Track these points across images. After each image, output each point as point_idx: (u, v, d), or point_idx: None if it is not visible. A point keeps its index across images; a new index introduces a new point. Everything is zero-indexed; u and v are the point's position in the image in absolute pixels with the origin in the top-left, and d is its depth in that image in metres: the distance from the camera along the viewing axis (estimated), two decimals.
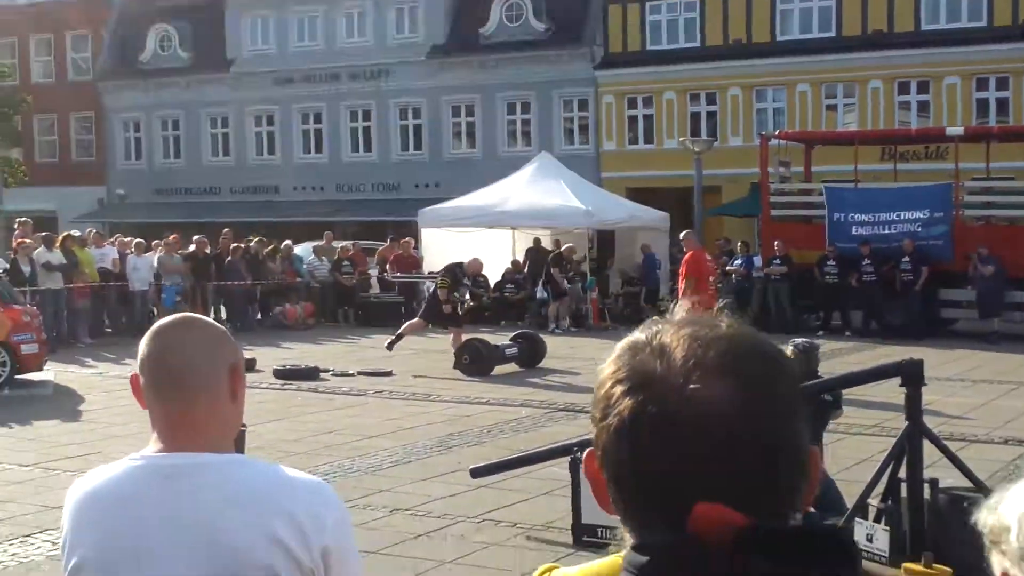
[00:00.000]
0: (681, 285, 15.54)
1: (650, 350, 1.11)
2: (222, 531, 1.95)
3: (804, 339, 8.43)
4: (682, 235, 15.94)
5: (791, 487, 1.10)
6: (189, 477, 1.97)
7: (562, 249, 23.72)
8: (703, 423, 1.05)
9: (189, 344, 2.04)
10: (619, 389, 1.10)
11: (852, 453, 9.90)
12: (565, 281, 23.22)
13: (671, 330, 1.12)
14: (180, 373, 2.01)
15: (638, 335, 1.15)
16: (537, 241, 25.42)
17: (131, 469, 2.01)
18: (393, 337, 16.89)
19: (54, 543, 7.31)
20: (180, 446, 1.99)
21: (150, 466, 2.00)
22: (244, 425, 2.37)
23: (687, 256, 15.28)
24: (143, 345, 2.06)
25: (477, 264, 17.82)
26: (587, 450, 1.16)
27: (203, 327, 2.09)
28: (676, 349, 1.09)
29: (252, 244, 24.23)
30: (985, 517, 1.29)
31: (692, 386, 1.06)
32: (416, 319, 17.38)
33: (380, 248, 26.69)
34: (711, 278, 15.55)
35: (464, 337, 16.48)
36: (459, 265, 17.50)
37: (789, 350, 8.04)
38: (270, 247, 24.78)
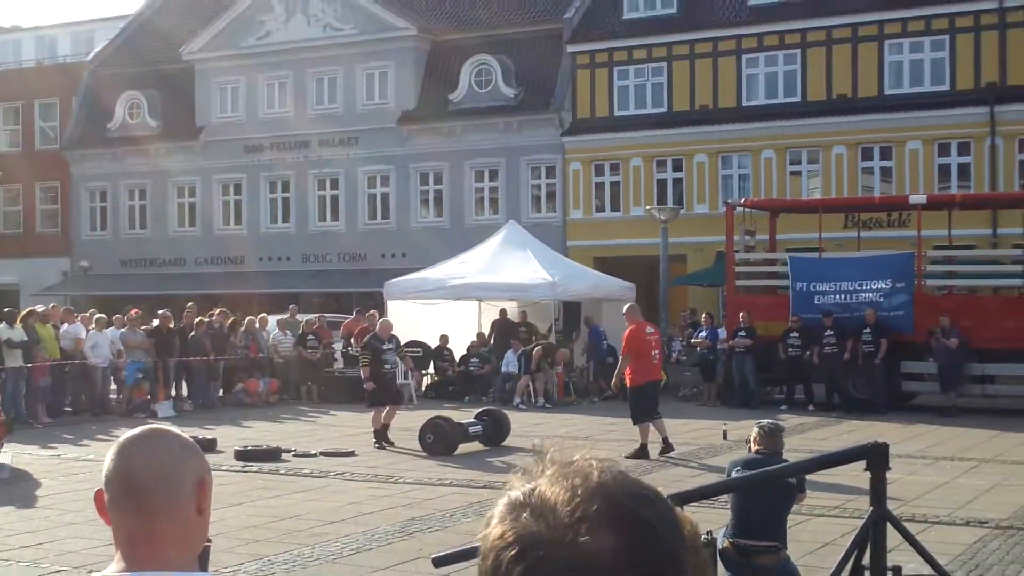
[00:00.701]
0: (620, 360, 15.58)
1: (531, 510, 1.11)
2: None
3: (769, 420, 8.42)
4: (624, 309, 15.95)
5: None
6: None
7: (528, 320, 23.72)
8: (594, 574, 1.07)
9: (156, 459, 2.00)
10: (508, 555, 1.10)
11: (816, 536, 9.85)
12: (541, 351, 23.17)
13: (547, 484, 1.13)
14: (146, 489, 1.97)
15: (515, 493, 1.14)
16: (503, 312, 25.40)
17: None
18: (376, 442, 16.50)
19: None
20: (143, 566, 1.95)
21: None
22: (209, 540, 2.31)
23: (627, 332, 15.29)
24: (108, 459, 2.01)
25: (387, 325, 17.55)
26: None
27: (170, 441, 2.04)
28: (557, 504, 1.11)
29: (215, 318, 24.02)
30: None
31: (580, 540, 1.08)
32: (372, 412, 17.02)
33: (346, 321, 26.55)
34: (653, 351, 15.50)
35: (387, 416, 16.42)
36: (372, 336, 17.32)
37: (755, 432, 8.04)
38: (231, 320, 24.56)
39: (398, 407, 17.10)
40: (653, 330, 16.16)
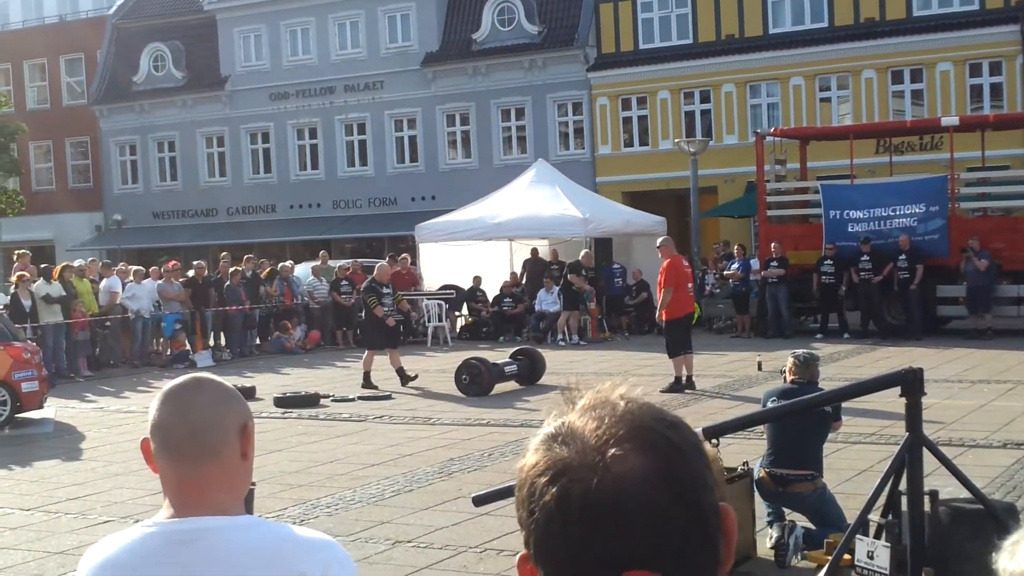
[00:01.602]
0: (659, 294, 15.51)
1: (561, 439, 1.16)
2: None
3: (804, 350, 8.43)
4: (658, 242, 15.85)
5: (712, 546, 1.16)
6: (201, 542, 1.99)
7: (580, 256, 23.64)
8: (624, 494, 1.11)
9: (199, 407, 2.06)
10: (541, 481, 1.14)
11: (852, 464, 9.88)
12: (587, 285, 23.15)
13: (576, 416, 1.18)
14: (191, 437, 2.04)
15: (547, 428, 1.19)
16: (535, 252, 25.40)
17: (144, 536, 2.03)
18: (364, 383, 16.74)
19: None
20: (191, 511, 2.02)
21: (162, 533, 2.02)
22: (253, 483, 2.39)
23: (664, 264, 15.21)
24: (153, 409, 2.08)
25: (384, 270, 17.84)
26: (519, 554, 1.19)
27: (213, 389, 2.10)
28: (585, 432, 1.15)
29: (245, 266, 24.06)
30: (1005, 563, 1.27)
31: (607, 461, 1.12)
32: (365, 353, 17.26)
33: (378, 264, 26.61)
34: (689, 284, 15.48)
35: (393, 360, 16.70)
36: (372, 280, 17.60)
37: (790, 361, 8.06)
38: (267, 270, 24.70)
39: (397, 350, 17.33)
40: (687, 263, 16.15)
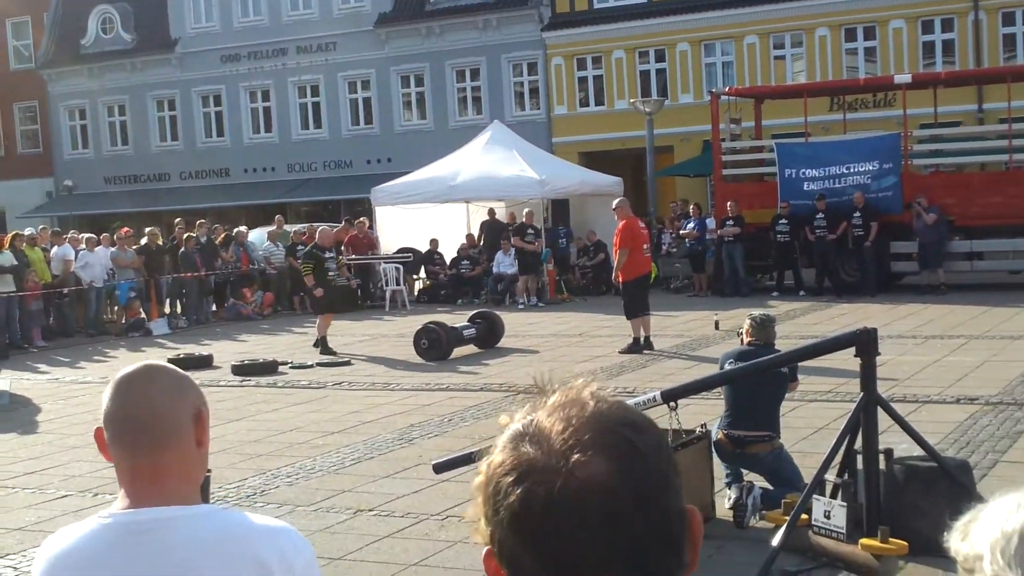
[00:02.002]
0: (615, 255, 15.56)
1: (529, 439, 1.16)
2: None
3: (761, 311, 8.50)
4: (614, 204, 15.89)
5: (676, 549, 1.18)
6: (158, 533, 1.98)
7: (523, 216, 23.65)
8: (587, 499, 1.12)
9: (152, 396, 2.05)
10: (506, 481, 1.15)
11: (808, 422, 9.99)
12: (537, 244, 23.17)
13: (544, 415, 1.18)
14: (145, 426, 2.02)
15: (516, 425, 1.19)
16: (491, 213, 25.36)
17: (100, 528, 2.02)
18: (321, 350, 16.77)
19: (15, 568, 7.26)
20: (147, 501, 2.01)
21: (118, 524, 2.01)
22: (209, 470, 2.39)
23: (620, 226, 15.24)
24: (106, 398, 2.06)
25: (326, 234, 17.92)
26: (484, 550, 1.20)
27: (166, 376, 2.09)
28: (552, 434, 1.16)
29: (203, 232, 23.84)
30: (957, 544, 1.29)
31: (571, 465, 1.12)
32: (319, 318, 17.27)
33: (335, 229, 26.45)
34: (645, 245, 15.52)
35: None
36: (314, 245, 17.65)
37: (746, 323, 8.12)
38: (222, 235, 24.49)
39: (333, 315, 17.34)
40: (643, 224, 16.20)
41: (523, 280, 23.09)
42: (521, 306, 22.44)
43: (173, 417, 2.05)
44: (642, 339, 15.29)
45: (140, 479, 2.03)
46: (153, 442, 2.03)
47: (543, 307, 22.46)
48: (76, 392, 14.62)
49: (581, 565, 1.13)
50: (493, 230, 24.88)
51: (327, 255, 17.25)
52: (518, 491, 1.13)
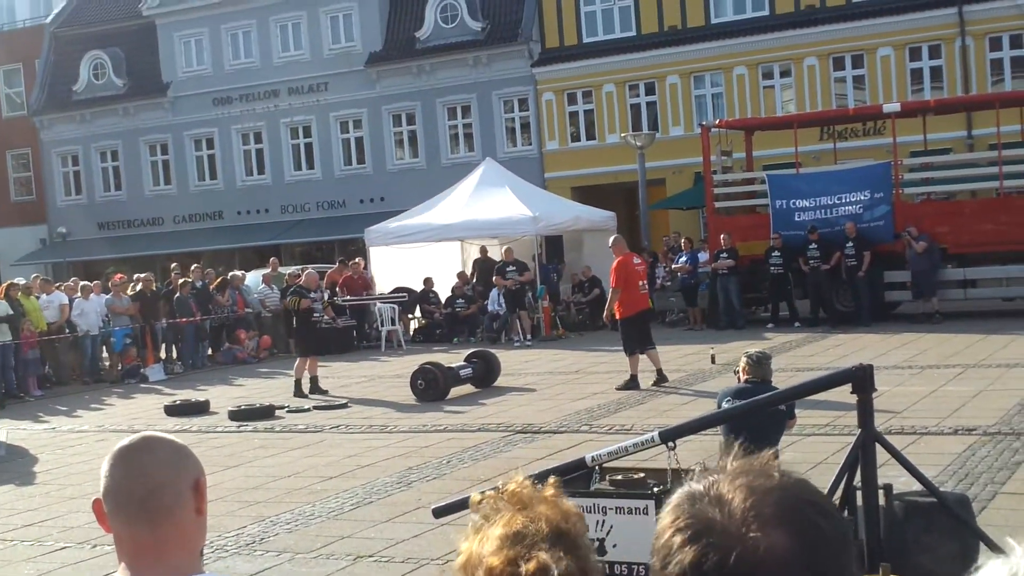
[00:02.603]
0: (609, 292, 15.60)
1: (708, 500, 1.15)
2: None
3: (757, 350, 8.49)
4: (610, 241, 15.95)
5: None
6: None
7: (503, 253, 23.68)
8: (761, 571, 1.09)
9: (151, 468, 2.05)
10: (679, 538, 1.14)
11: (806, 457, 9.96)
12: (523, 277, 23.20)
13: (727, 480, 1.17)
14: (146, 500, 2.03)
15: (695, 486, 1.18)
16: (484, 250, 25.39)
17: None
18: (294, 388, 16.96)
19: None
20: (148, 572, 2.01)
21: None
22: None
23: (615, 263, 15.32)
24: (104, 472, 2.07)
25: (312, 276, 18.03)
26: None
27: (164, 448, 2.10)
28: (734, 499, 1.14)
29: (197, 276, 23.80)
30: None
31: (751, 535, 1.10)
32: (298, 360, 17.38)
33: (329, 271, 26.46)
34: (641, 282, 15.56)
35: (310, 367, 16.74)
36: (298, 287, 17.73)
37: (743, 361, 8.13)
38: (218, 280, 24.47)
39: (319, 358, 17.48)
40: (639, 260, 16.24)
41: (514, 317, 23.07)
42: (517, 343, 22.39)
43: (173, 488, 2.06)
44: (656, 372, 15.27)
45: (141, 551, 2.04)
46: (153, 515, 2.03)
47: (531, 344, 22.29)
48: (73, 441, 14.58)
49: None
50: (485, 268, 24.90)
51: (312, 295, 17.31)
52: (692, 549, 1.12)
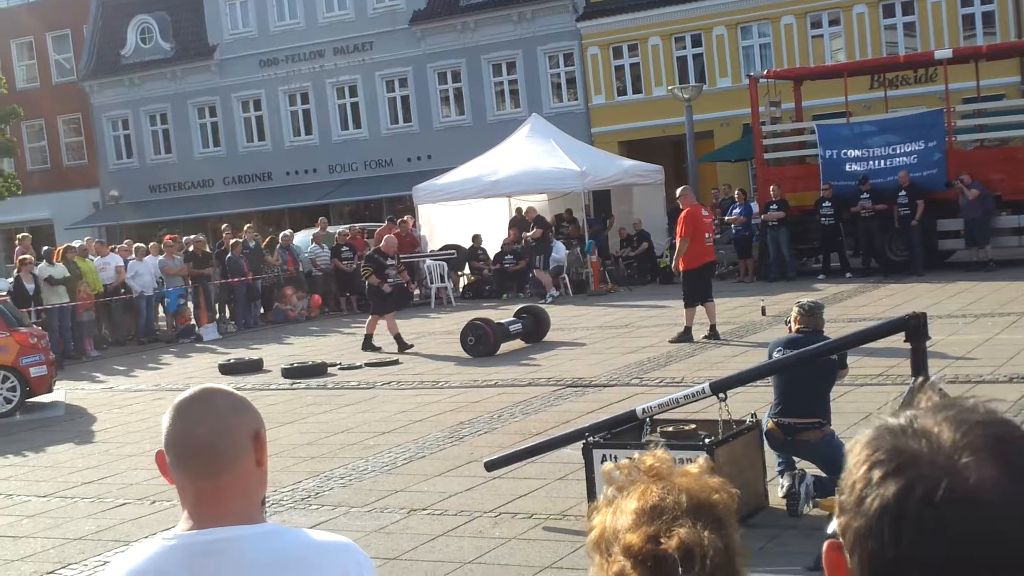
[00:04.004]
0: (677, 242, 15.46)
1: (911, 433, 1.10)
2: None
3: (809, 299, 8.42)
4: (678, 192, 15.85)
5: None
6: (222, 553, 2.03)
7: (524, 212, 23.59)
8: (971, 506, 1.05)
9: (212, 419, 2.09)
10: (878, 472, 1.09)
11: (859, 407, 9.89)
12: (534, 234, 23.17)
13: (928, 415, 1.12)
14: (206, 450, 2.07)
15: (891, 421, 1.13)
16: (519, 211, 25.33)
17: (165, 549, 2.06)
18: (364, 345, 17.04)
19: None
20: (210, 522, 2.06)
21: (183, 545, 2.05)
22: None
23: (683, 214, 15.19)
24: (165, 423, 2.11)
25: (392, 242, 17.92)
26: (827, 540, 1.15)
27: (223, 399, 2.14)
28: (941, 432, 1.09)
29: (248, 236, 23.99)
30: None
31: (962, 466, 1.05)
32: (370, 317, 17.43)
33: (378, 229, 26.54)
34: (707, 234, 15.44)
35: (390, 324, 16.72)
36: (376, 251, 17.68)
37: (794, 311, 8.08)
38: (267, 239, 24.65)
39: (393, 315, 17.40)
40: (707, 212, 16.14)
41: (538, 274, 23.02)
42: (550, 299, 22.11)
43: (233, 439, 2.09)
44: (708, 327, 15.19)
45: (203, 501, 2.08)
46: (214, 465, 2.07)
47: (581, 298, 22.16)
48: (130, 401, 14.81)
49: (952, 568, 1.05)
50: (523, 226, 24.85)
51: (389, 262, 17.33)
52: (896, 481, 1.07)
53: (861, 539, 1.09)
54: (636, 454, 1.70)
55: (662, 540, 1.52)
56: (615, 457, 6.55)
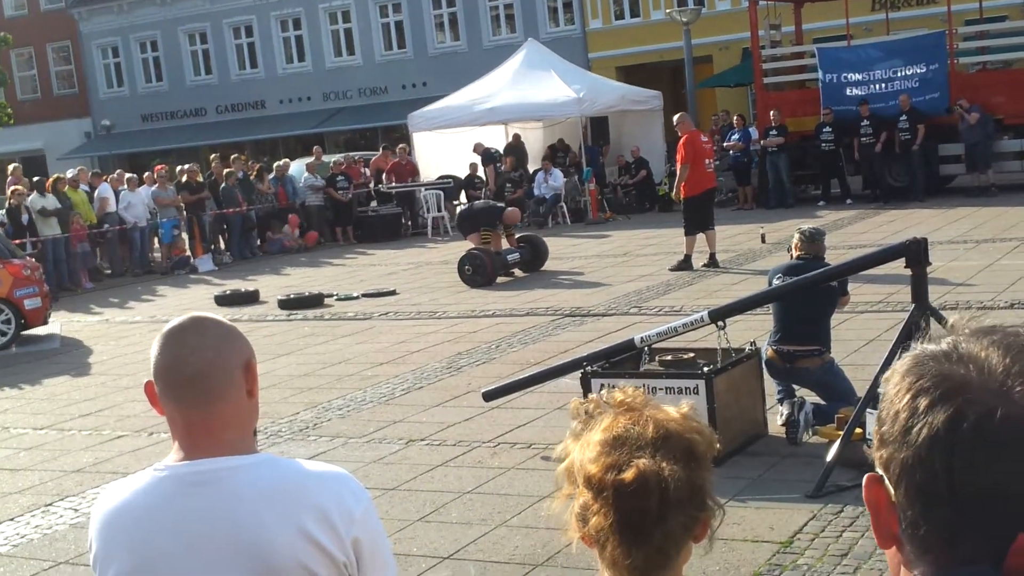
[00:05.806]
0: (678, 169, 15.29)
1: (956, 358, 1.04)
2: (253, 533, 1.97)
3: (810, 226, 8.33)
4: (675, 119, 15.63)
5: None
6: (214, 484, 2.00)
7: (511, 138, 23.34)
8: None
9: (202, 348, 2.04)
10: (924, 400, 1.02)
11: (859, 334, 9.86)
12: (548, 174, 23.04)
13: (972, 340, 1.06)
14: (196, 379, 2.02)
15: (931, 347, 1.06)
16: (516, 137, 25.07)
17: (155, 481, 2.03)
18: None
19: (76, 510, 7.36)
20: (202, 452, 2.02)
21: (174, 476, 2.02)
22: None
23: (682, 139, 15.01)
24: (154, 352, 2.06)
25: (515, 214, 16.86)
26: (866, 475, 1.09)
27: (213, 328, 2.09)
28: (990, 356, 1.03)
29: (239, 167, 23.66)
30: None
31: (1017, 391, 1.00)
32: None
33: (374, 158, 26.31)
34: (708, 160, 15.27)
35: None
36: (500, 221, 16.50)
37: (795, 237, 7.99)
38: (256, 168, 24.26)
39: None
40: (707, 138, 15.92)
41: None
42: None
43: (223, 369, 2.04)
44: (708, 256, 15.06)
45: (194, 432, 2.03)
46: (205, 394, 2.02)
47: (579, 227, 22.02)
48: (126, 332, 14.76)
49: (1006, 512, 0.99)
50: (518, 153, 24.63)
51: (500, 231, 16.27)
52: (946, 409, 1.00)
53: (908, 471, 1.03)
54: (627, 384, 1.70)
55: (623, 471, 1.52)
56: (613, 386, 6.55)
